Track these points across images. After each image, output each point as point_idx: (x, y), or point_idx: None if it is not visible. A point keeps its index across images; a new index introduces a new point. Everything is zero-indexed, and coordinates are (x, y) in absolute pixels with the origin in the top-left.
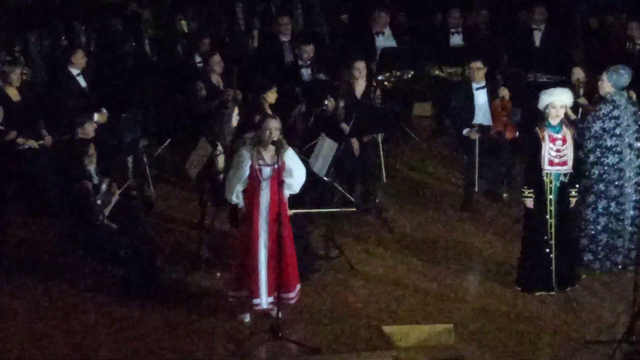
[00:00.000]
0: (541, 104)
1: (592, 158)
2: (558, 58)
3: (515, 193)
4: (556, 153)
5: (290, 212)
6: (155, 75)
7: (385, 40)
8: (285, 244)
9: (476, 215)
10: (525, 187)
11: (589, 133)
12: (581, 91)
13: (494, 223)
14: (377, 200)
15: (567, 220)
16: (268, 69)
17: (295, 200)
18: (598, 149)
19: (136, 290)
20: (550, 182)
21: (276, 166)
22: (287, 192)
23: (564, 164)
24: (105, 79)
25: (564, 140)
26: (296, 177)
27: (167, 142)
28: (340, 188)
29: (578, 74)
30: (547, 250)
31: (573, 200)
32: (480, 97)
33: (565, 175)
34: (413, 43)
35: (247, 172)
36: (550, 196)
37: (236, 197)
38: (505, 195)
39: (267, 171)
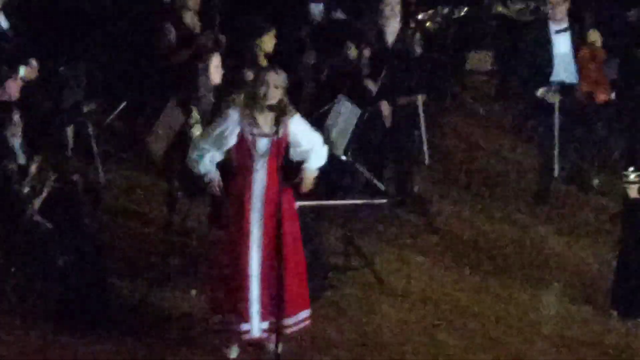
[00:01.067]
0: None
1: None
2: None
3: (612, 178)
4: None
5: (298, 204)
6: (106, 13)
7: None
8: (288, 248)
9: (555, 210)
10: (630, 169)
11: None
12: None
13: (581, 221)
14: (415, 189)
15: None
16: (264, 4)
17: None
18: None
19: (78, 314)
20: None
21: (276, 138)
22: (310, 166)
23: None
24: (36, 18)
25: None
26: (313, 150)
27: (122, 106)
28: (364, 171)
29: None
30: None
31: None
32: (562, 44)
33: None
34: None
35: (231, 141)
36: None
37: (205, 166)
38: (596, 182)
39: (263, 144)
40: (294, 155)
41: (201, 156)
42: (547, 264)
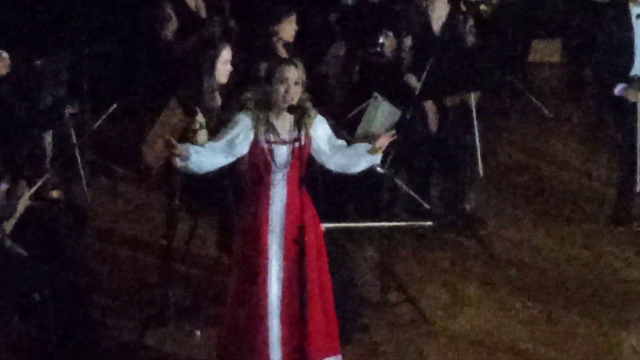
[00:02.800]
0: None
1: None
2: None
3: None
4: None
5: (324, 226)
6: None
7: None
8: (313, 280)
9: (638, 233)
10: None
11: None
12: None
13: None
14: (468, 208)
15: None
16: None
17: (330, 208)
18: None
19: (60, 357)
20: None
21: (298, 144)
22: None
23: None
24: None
25: None
26: (337, 158)
27: (112, 109)
28: (405, 187)
29: None
30: None
31: None
32: None
33: None
34: None
35: (243, 149)
36: None
37: (201, 169)
38: None
39: (282, 153)
40: (328, 164)
41: (202, 153)
42: (630, 298)
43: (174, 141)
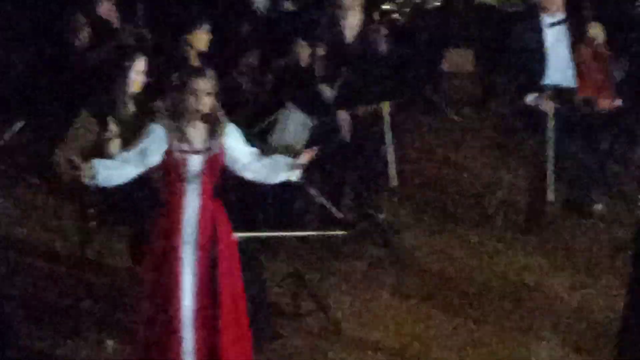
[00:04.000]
0: None
1: None
2: None
3: (619, 203)
4: None
5: (237, 235)
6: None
7: None
8: (225, 290)
9: (550, 241)
10: None
11: None
12: None
13: (580, 254)
14: (381, 217)
15: None
16: None
17: (243, 218)
18: None
19: None
20: None
21: (210, 154)
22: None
23: None
24: None
25: None
26: (254, 167)
27: (18, 126)
28: (318, 196)
29: None
30: None
31: None
32: (557, 40)
33: None
34: None
35: (155, 159)
36: None
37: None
38: (599, 206)
39: (195, 162)
40: (244, 172)
41: (110, 167)
42: (540, 306)
43: (77, 162)
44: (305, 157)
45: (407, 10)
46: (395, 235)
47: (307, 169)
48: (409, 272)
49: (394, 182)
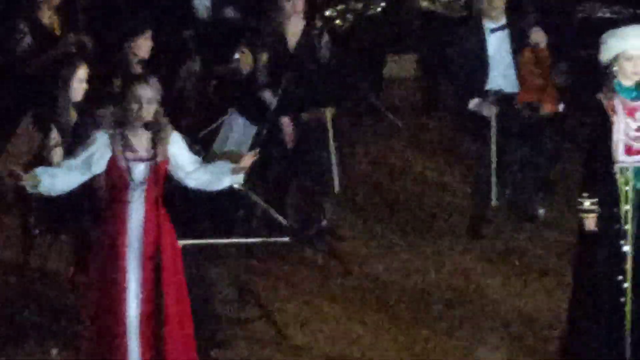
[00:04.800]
0: (606, 55)
1: None
2: None
3: (562, 207)
4: (636, 134)
5: (181, 242)
6: None
7: None
8: (170, 297)
9: (493, 246)
10: (584, 195)
11: None
12: None
13: (524, 258)
14: (324, 223)
15: None
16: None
17: (187, 224)
18: None
19: None
20: (628, 184)
21: (155, 162)
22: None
23: None
24: None
25: None
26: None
27: None
28: (261, 202)
29: None
30: (621, 301)
31: None
32: (499, 45)
33: None
34: None
35: (100, 167)
36: (627, 207)
37: (52, 188)
38: (542, 211)
39: (139, 170)
40: (187, 180)
41: (54, 175)
42: (485, 310)
43: (16, 172)
44: (246, 160)
45: (349, 16)
46: (338, 241)
47: (251, 176)
48: (353, 278)
49: (338, 188)
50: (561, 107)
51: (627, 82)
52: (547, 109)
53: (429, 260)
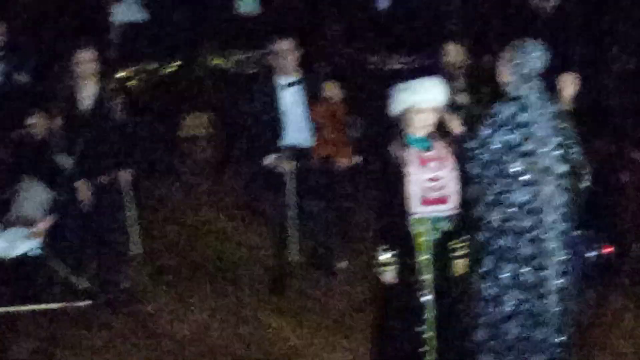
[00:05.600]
0: (396, 108)
1: (488, 194)
2: (420, 28)
3: (364, 258)
4: (431, 183)
5: None
6: None
7: (127, 10)
8: None
9: (295, 301)
10: (382, 247)
11: (483, 153)
12: (460, 81)
13: (325, 312)
14: (124, 285)
15: (453, 298)
16: None
17: None
18: (497, 179)
19: None
20: (424, 235)
21: None
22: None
23: (444, 200)
24: None
25: (441, 162)
26: None
27: None
28: (60, 267)
29: (454, 53)
30: (421, 351)
31: (461, 264)
32: (292, 100)
33: (447, 219)
34: (174, 13)
35: None
36: (425, 256)
37: None
38: (343, 264)
39: None
40: None
41: None
42: None
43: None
44: (42, 225)
45: (143, 76)
46: (140, 303)
47: (48, 241)
48: (156, 340)
49: (138, 248)
50: (357, 159)
51: (418, 133)
52: (342, 162)
53: (231, 317)
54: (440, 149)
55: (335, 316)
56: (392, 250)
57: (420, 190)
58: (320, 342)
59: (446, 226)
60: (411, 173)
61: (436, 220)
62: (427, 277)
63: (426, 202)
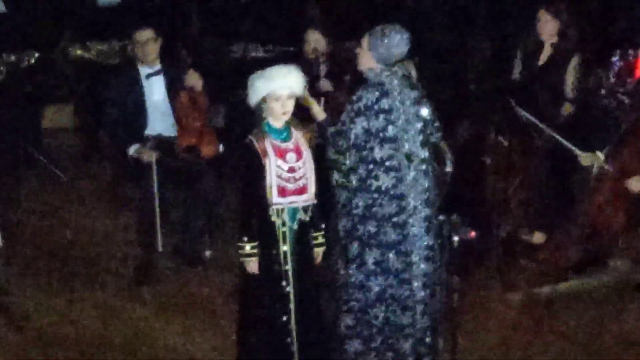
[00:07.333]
0: (254, 97)
1: (352, 180)
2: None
3: (228, 247)
4: (289, 175)
5: None
6: None
7: None
8: None
9: (161, 292)
10: (243, 238)
11: (344, 139)
12: (322, 69)
13: (192, 303)
14: None
15: (315, 286)
16: None
17: None
18: (361, 165)
19: None
20: (284, 225)
21: None
22: None
23: (303, 191)
24: None
25: (299, 153)
26: None
27: None
28: None
29: (314, 40)
30: (287, 341)
31: (320, 252)
32: (155, 90)
33: (306, 210)
34: (32, 4)
35: None
36: (285, 247)
37: None
38: (207, 253)
39: None
40: None
41: None
42: (158, 357)
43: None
44: None
45: (2, 69)
46: (4, 296)
47: None
48: (20, 334)
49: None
50: (220, 148)
51: (277, 124)
52: (207, 152)
53: (97, 309)
54: (298, 138)
55: (202, 306)
56: (254, 241)
57: (277, 181)
58: (187, 332)
59: (305, 216)
60: (268, 163)
61: (294, 211)
62: (289, 267)
63: (285, 193)
